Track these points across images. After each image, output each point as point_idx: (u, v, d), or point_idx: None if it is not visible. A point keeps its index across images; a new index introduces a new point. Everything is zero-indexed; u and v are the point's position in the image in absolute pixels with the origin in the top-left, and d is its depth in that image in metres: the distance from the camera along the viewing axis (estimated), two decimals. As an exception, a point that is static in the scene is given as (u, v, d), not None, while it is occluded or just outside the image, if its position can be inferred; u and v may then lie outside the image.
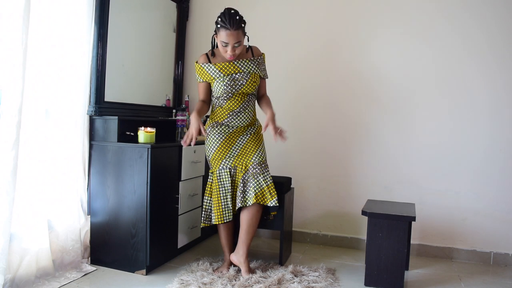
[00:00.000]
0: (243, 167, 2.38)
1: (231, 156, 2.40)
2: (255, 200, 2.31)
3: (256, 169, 2.36)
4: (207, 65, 2.37)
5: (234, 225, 2.52)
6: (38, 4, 2.14)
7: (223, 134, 2.41)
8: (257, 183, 2.35)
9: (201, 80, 2.42)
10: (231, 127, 2.42)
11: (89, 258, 2.54)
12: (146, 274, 2.42)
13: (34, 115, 2.17)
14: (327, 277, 2.42)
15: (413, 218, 2.28)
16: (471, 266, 2.77)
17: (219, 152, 2.40)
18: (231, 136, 2.42)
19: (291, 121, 3.14)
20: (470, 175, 2.87)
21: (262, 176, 2.36)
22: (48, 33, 2.23)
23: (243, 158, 2.39)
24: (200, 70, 2.40)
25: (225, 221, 2.35)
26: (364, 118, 3.06)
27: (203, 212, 2.45)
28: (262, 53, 2.48)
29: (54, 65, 2.31)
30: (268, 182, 2.37)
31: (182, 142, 2.28)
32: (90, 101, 2.52)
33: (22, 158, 2.09)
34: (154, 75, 3.17)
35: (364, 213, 2.38)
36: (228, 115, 2.40)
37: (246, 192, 2.35)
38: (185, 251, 2.84)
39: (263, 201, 2.34)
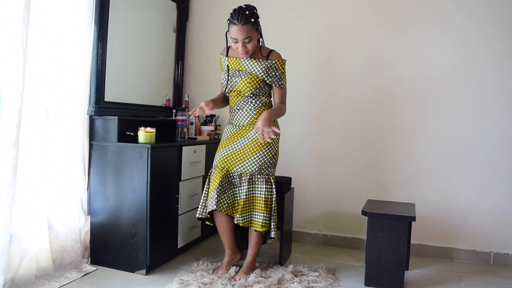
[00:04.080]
0: (224, 172, 2.34)
1: (221, 154, 2.39)
2: (224, 212, 2.33)
3: (235, 180, 2.36)
4: (222, 57, 2.43)
5: (231, 222, 2.47)
6: (38, 4, 2.14)
7: (228, 132, 2.46)
8: (232, 193, 2.36)
9: (221, 70, 2.48)
10: (234, 126, 2.44)
11: (89, 258, 2.54)
12: (146, 274, 2.42)
13: (34, 115, 2.17)
14: (327, 277, 2.42)
15: (413, 218, 2.28)
16: (471, 266, 2.77)
17: (219, 148, 2.45)
18: (232, 136, 2.41)
19: (291, 121, 3.14)
20: (470, 175, 2.87)
21: (236, 188, 2.36)
22: (48, 33, 2.23)
23: (229, 162, 2.36)
24: (219, 60, 2.48)
25: (198, 216, 2.38)
26: (364, 118, 3.06)
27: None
28: (281, 60, 2.34)
29: (54, 65, 2.31)
30: (242, 196, 2.34)
31: (190, 112, 2.29)
32: (90, 101, 2.52)
33: (22, 158, 2.09)
34: (154, 75, 3.17)
35: (364, 213, 2.38)
36: (230, 112, 2.47)
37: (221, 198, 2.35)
38: (185, 251, 2.84)
39: (232, 214, 2.36)
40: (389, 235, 2.30)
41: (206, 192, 2.38)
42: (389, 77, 3.00)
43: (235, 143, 2.39)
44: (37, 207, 2.20)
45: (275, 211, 2.40)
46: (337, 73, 3.12)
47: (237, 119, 2.43)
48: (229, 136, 2.43)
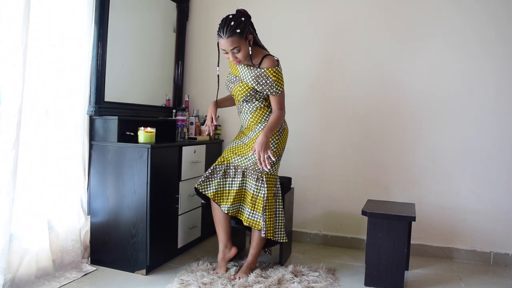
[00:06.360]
0: (221, 160, 2.45)
1: (228, 146, 2.50)
2: (211, 197, 2.40)
3: (231, 170, 2.43)
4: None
5: (229, 218, 2.48)
6: (38, 4, 2.14)
7: (239, 130, 2.54)
8: (223, 182, 2.42)
9: None
10: (242, 126, 2.50)
11: (89, 258, 2.54)
12: (146, 274, 2.42)
13: (34, 115, 2.17)
14: (327, 277, 2.42)
15: (413, 218, 2.28)
16: (471, 266, 2.77)
17: (230, 142, 2.55)
18: (241, 133, 2.50)
19: (291, 121, 3.14)
20: (470, 175, 2.87)
21: (230, 179, 2.41)
22: (48, 33, 2.23)
23: (231, 153, 2.45)
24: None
25: (196, 185, 2.44)
26: (364, 119, 3.06)
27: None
28: (272, 68, 2.25)
29: (54, 65, 2.31)
30: (234, 187, 2.39)
31: (206, 134, 2.58)
32: (90, 101, 2.52)
33: (22, 158, 2.09)
34: (154, 75, 3.17)
35: (364, 213, 2.38)
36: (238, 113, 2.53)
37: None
38: (185, 251, 2.84)
39: (219, 202, 2.41)
40: (389, 235, 2.30)
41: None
42: (389, 78, 3.00)
43: (240, 139, 2.47)
44: (37, 207, 2.20)
45: (267, 210, 2.33)
46: (337, 74, 3.12)
47: (241, 121, 2.49)
48: (239, 133, 2.52)
